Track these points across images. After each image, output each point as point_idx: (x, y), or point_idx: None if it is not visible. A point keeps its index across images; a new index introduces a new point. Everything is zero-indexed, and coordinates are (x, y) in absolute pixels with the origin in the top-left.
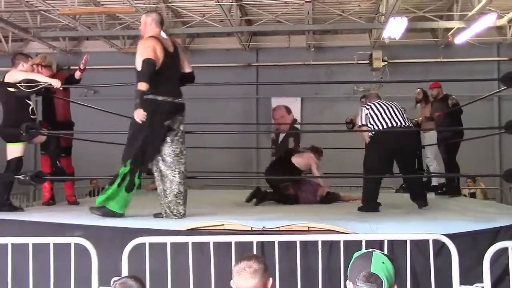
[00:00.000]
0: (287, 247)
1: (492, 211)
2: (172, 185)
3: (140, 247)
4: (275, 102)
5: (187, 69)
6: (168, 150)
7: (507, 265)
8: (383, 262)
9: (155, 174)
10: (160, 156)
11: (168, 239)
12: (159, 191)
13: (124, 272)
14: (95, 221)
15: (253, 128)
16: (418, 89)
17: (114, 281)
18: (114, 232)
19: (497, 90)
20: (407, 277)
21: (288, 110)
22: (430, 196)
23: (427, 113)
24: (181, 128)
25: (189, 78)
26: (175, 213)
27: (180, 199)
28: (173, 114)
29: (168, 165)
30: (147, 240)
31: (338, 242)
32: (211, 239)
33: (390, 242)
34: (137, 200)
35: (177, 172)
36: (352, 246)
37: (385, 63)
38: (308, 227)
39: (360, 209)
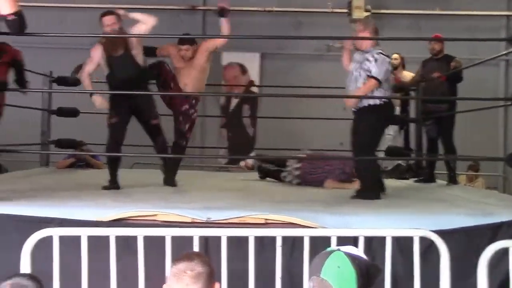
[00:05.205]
0: (237, 243)
1: (492, 202)
2: None
3: (46, 241)
4: (227, 58)
5: None
6: None
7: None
8: (338, 266)
9: None
10: None
11: (84, 231)
12: None
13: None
14: None
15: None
16: (395, 55)
17: (5, 282)
18: (11, 222)
19: (504, 52)
20: (386, 282)
21: (244, 70)
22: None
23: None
24: None
25: None
26: None
27: None
28: None
29: None
30: (55, 232)
31: (302, 238)
32: (140, 232)
33: (367, 239)
34: (43, 181)
35: None
36: (320, 243)
37: (368, 13)
38: (265, 219)
39: (357, 196)
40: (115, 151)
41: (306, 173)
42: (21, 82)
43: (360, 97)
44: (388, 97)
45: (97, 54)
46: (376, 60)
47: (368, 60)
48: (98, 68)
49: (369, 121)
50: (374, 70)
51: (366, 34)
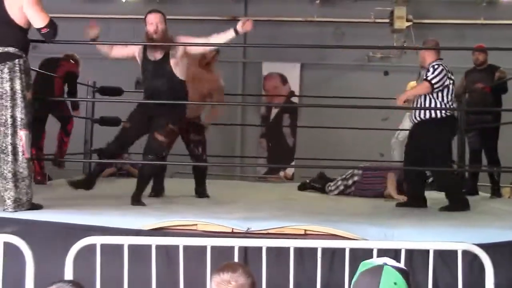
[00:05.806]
0: (277, 254)
1: None
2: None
3: (89, 249)
4: (268, 68)
5: None
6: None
7: None
8: (395, 283)
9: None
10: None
11: (126, 240)
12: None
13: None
14: (31, 214)
15: (238, 100)
16: None
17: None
18: (56, 229)
19: None
20: None
21: (284, 80)
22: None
23: None
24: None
25: None
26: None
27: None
28: None
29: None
30: (98, 240)
31: (343, 250)
32: (180, 241)
33: (409, 252)
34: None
35: None
36: (360, 255)
37: (410, 23)
38: (305, 230)
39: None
40: (113, 153)
41: (362, 183)
42: (73, 95)
43: (404, 108)
44: (431, 108)
45: (134, 48)
46: (434, 69)
47: (428, 71)
48: (125, 58)
49: (433, 135)
50: (430, 75)
51: (428, 51)
